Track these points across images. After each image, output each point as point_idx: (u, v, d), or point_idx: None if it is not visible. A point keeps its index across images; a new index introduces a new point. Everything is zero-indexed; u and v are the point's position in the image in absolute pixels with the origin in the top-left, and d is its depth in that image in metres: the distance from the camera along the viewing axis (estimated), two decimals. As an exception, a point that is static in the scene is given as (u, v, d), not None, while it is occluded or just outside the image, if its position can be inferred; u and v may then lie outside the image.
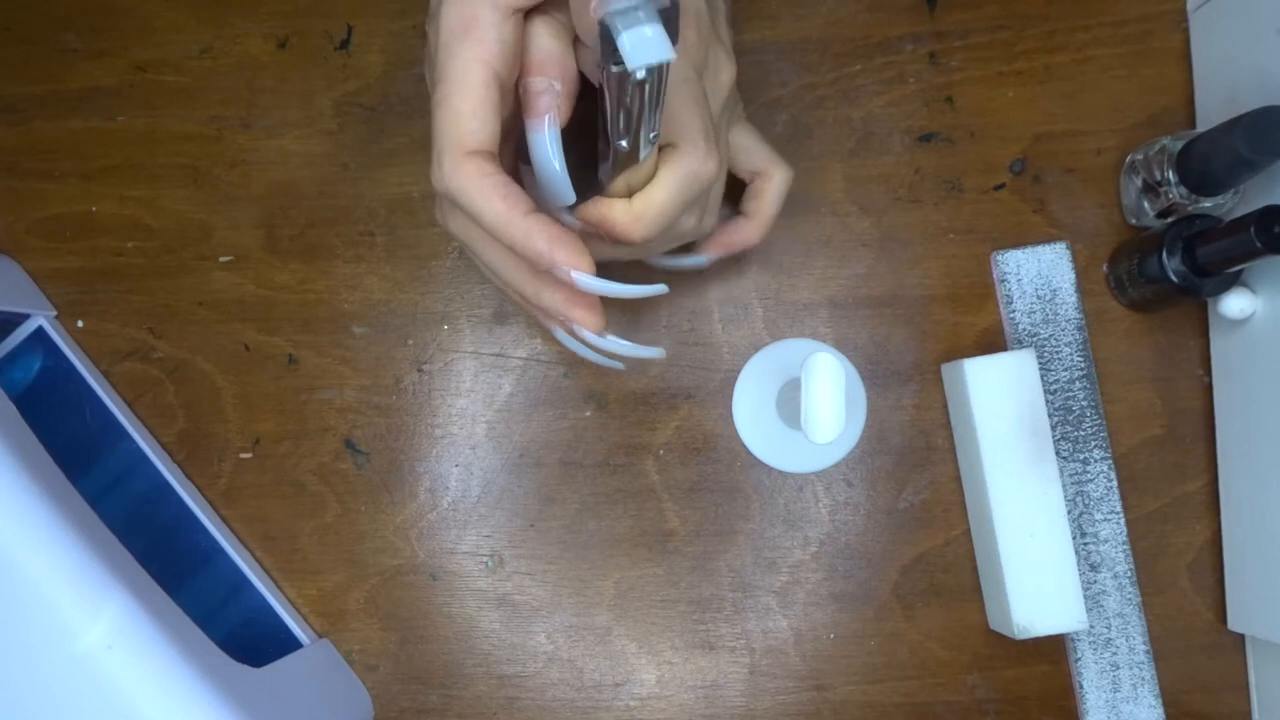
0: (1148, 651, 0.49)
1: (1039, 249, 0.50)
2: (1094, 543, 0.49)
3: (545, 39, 0.34)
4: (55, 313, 0.52)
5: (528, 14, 0.34)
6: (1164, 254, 0.45)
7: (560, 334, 0.39)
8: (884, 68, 0.51)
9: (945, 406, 0.50)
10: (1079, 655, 0.49)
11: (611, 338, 0.37)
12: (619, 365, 0.41)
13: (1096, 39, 0.51)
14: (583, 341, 0.38)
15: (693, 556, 0.50)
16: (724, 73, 0.39)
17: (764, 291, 0.51)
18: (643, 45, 0.27)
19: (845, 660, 0.50)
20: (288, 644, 0.49)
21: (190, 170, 0.52)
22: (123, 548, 0.40)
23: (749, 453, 0.49)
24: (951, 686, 0.50)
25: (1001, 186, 0.51)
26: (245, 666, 0.42)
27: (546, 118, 0.33)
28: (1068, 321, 0.50)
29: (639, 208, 0.36)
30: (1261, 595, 0.46)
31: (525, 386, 0.51)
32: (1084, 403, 0.49)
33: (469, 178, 0.32)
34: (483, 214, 0.32)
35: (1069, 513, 0.48)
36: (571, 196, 0.36)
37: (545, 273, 0.34)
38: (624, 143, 0.32)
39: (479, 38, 0.32)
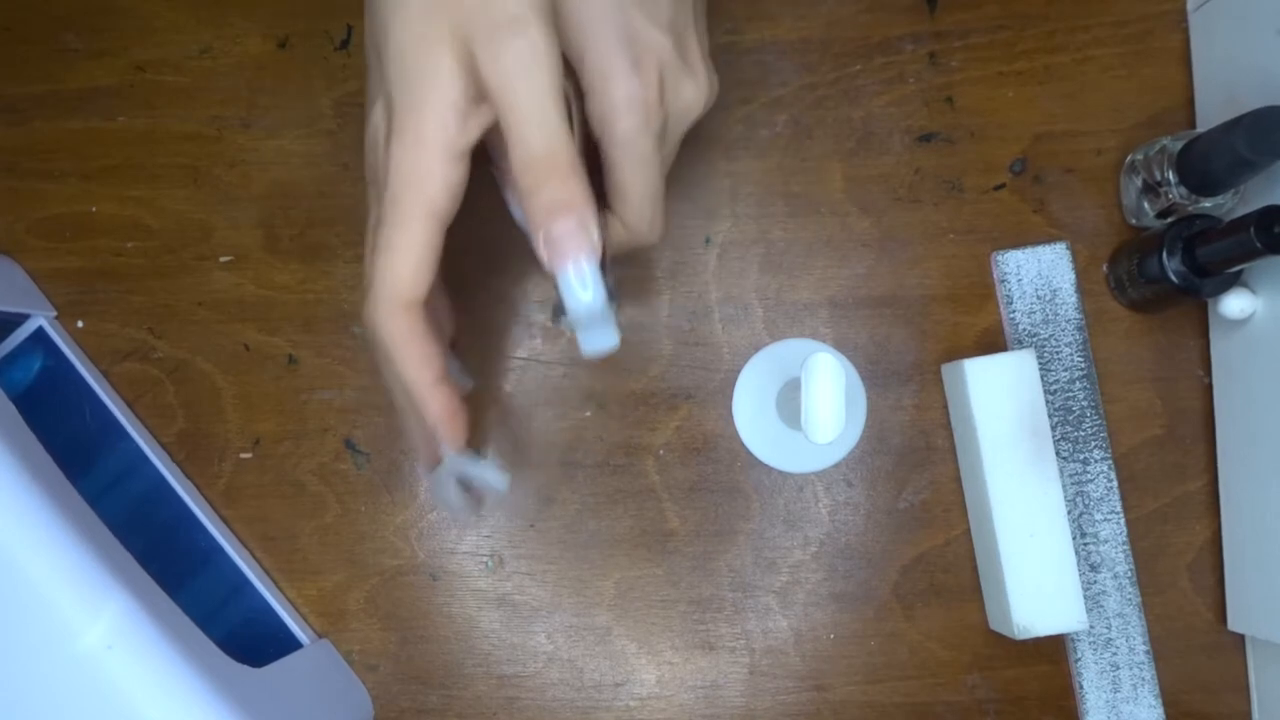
0: (1148, 651, 0.49)
1: (1039, 249, 0.50)
2: (1094, 543, 0.49)
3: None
4: (55, 313, 0.52)
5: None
6: (1164, 254, 0.45)
7: (433, 482, 0.40)
8: (884, 68, 0.51)
9: (945, 406, 0.50)
10: (1079, 655, 0.49)
11: (466, 466, 0.38)
12: (502, 483, 0.41)
13: (1096, 39, 0.51)
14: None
15: (693, 556, 0.50)
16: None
17: (764, 291, 0.51)
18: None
19: (845, 660, 0.50)
20: (288, 644, 0.49)
21: (190, 170, 0.52)
22: (123, 548, 0.39)
23: (749, 453, 0.49)
24: (951, 686, 0.50)
25: (1001, 186, 0.51)
26: (245, 666, 0.41)
27: (580, 259, 0.32)
28: (1068, 321, 0.50)
29: (633, 218, 0.36)
30: (1261, 595, 0.46)
31: (525, 387, 0.51)
32: (1084, 403, 0.49)
33: (398, 332, 0.34)
34: (397, 367, 0.34)
35: (1069, 513, 0.48)
36: (616, 339, 0.35)
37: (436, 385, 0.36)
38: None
39: (429, 192, 0.33)
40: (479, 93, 0.32)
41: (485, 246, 0.51)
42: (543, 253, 0.32)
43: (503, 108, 0.32)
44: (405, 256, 0.33)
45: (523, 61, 0.31)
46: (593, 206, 0.32)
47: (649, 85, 0.35)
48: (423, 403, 0.35)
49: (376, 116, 0.34)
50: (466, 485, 0.39)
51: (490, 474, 0.38)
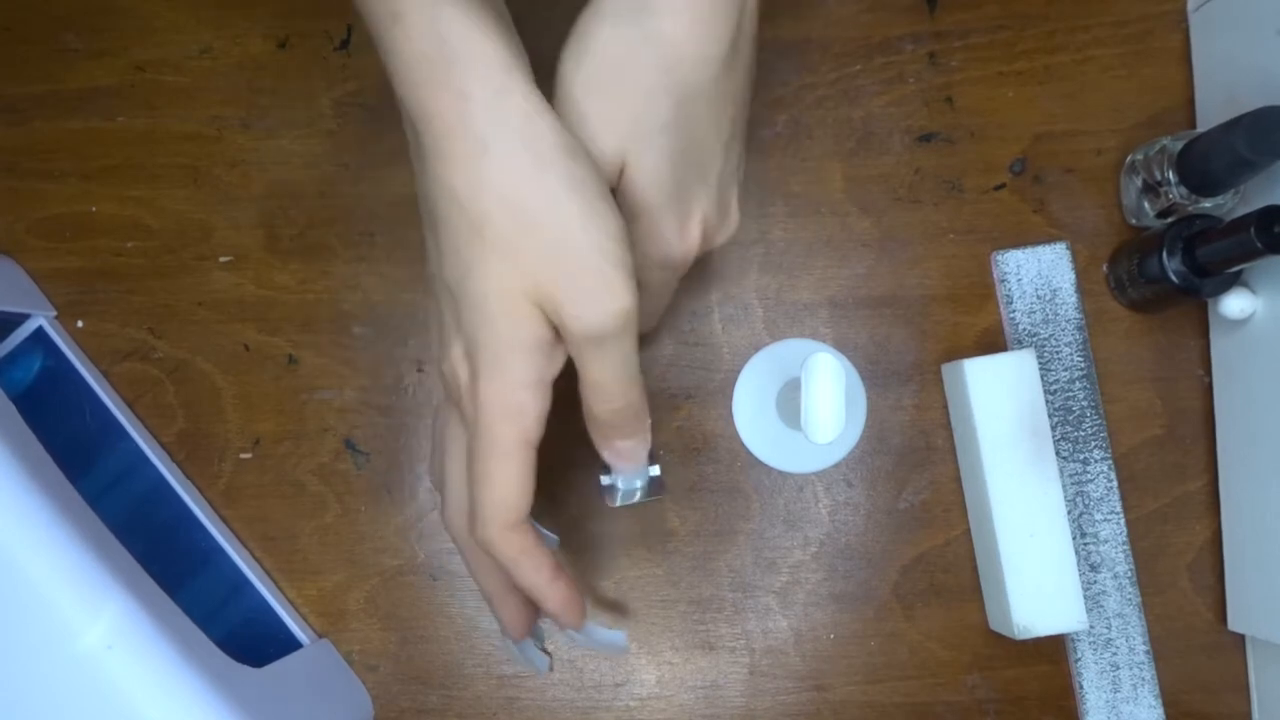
0: (1148, 651, 0.49)
1: (1039, 249, 0.50)
2: (1094, 543, 0.49)
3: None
4: (55, 313, 0.52)
5: None
6: (1164, 254, 0.45)
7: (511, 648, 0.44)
8: (884, 68, 0.51)
9: (945, 406, 0.50)
10: (1079, 655, 0.49)
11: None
12: (543, 666, 0.45)
13: (1096, 39, 0.51)
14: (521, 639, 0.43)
15: (693, 556, 0.50)
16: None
17: (764, 291, 0.51)
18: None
19: (845, 660, 0.50)
20: (288, 644, 0.49)
21: (190, 170, 0.52)
22: (123, 548, 0.39)
23: (749, 453, 0.49)
24: (951, 686, 0.50)
25: (1001, 186, 0.51)
26: (245, 666, 0.41)
27: (638, 466, 0.39)
28: (1068, 321, 0.50)
29: (643, 327, 0.36)
30: (1261, 595, 0.46)
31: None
32: (1084, 403, 0.49)
33: (515, 550, 0.36)
34: (519, 578, 0.36)
35: (1069, 513, 0.48)
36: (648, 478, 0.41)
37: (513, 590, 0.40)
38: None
39: (524, 425, 0.34)
40: (560, 334, 0.33)
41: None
42: (606, 455, 0.37)
43: (582, 364, 0.33)
44: (509, 485, 0.34)
45: (604, 325, 0.32)
46: (648, 423, 0.37)
47: (690, 243, 0.37)
48: (543, 598, 0.37)
49: (456, 355, 0.34)
50: (583, 645, 0.45)
51: (613, 636, 0.42)
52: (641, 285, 0.35)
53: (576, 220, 0.31)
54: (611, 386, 0.34)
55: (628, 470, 0.39)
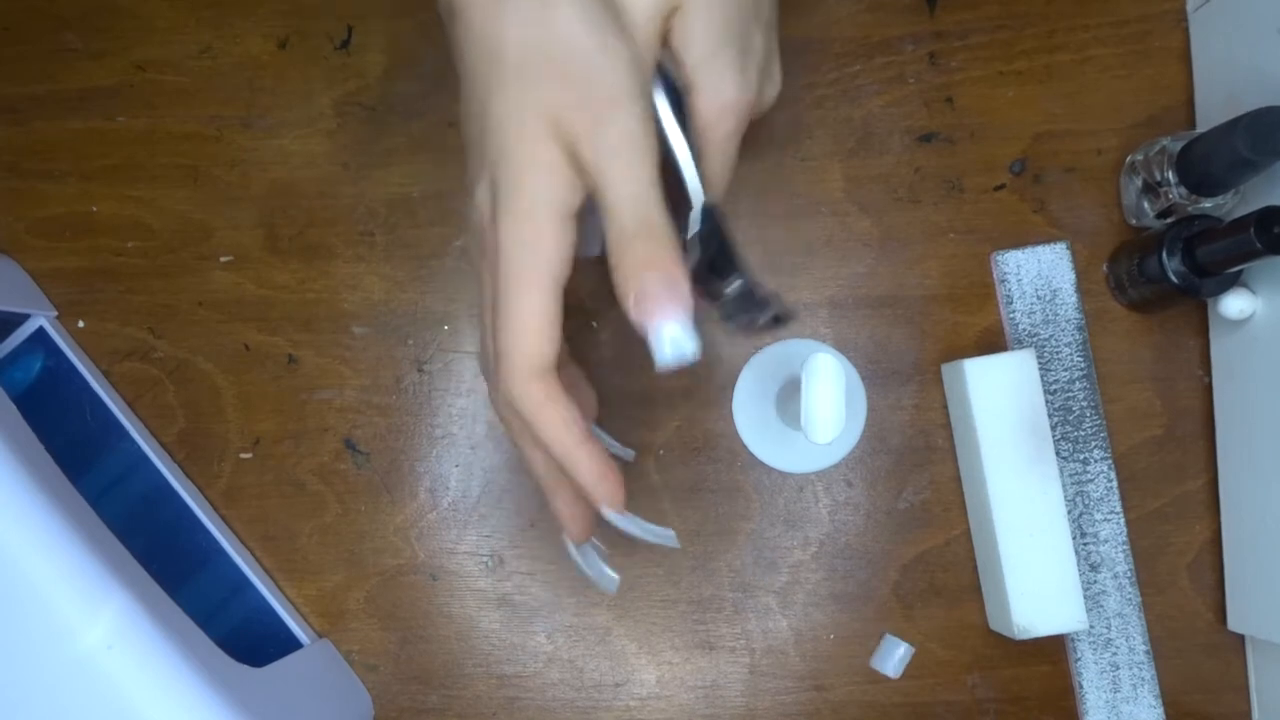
0: (1148, 651, 0.49)
1: (1039, 249, 0.50)
2: (1094, 543, 0.49)
3: None
4: (55, 313, 0.52)
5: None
6: (1164, 254, 0.45)
7: (566, 541, 0.40)
8: (884, 68, 0.51)
9: (945, 406, 0.50)
10: (1079, 655, 0.49)
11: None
12: (610, 585, 0.41)
13: (1096, 39, 0.51)
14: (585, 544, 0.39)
15: (693, 556, 0.50)
16: None
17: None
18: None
19: (845, 660, 0.50)
20: (288, 644, 0.49)
21: (190, 170, 0.52)
22: (123, 548, 0.39)
23: (749, 453, 0.49)
24: (951, 686, 0.50)
25: (1001, 186, 0.51)
26: (245, 666, 0.41)
27: (669, 316, 0.32)
28: (1068, 321, 0.50)
29: (714, 195, 0.36)
30: (1261, 595, 0.46)
31: (525, 386, 0.51)
32: (1084, 403, 0.49)
33: (537, 401, 0.33)
34: (542, 435, 0.33)
35: (1069, 513, 0.48)
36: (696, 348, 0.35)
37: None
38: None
39: (546, 254, 0.32)
40: (581, 165, 0.33)
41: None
42: (632, 312, 0.32)
43: (599, 187, 0.32)
44: (532, 324, 0.32)
45: (621, 144, 0.32)
46: (684, 270, 0.32)
47: (750, 88, 0.36)
48: (573, 464, 0.34)
49: (481, 194, 0.34)
50: (632, 541, 0.38)
51: (663, 532, 0.38)
52: (706, 143, 0.35)
53: (590, 46, 0.31)
54: (623, 201, 0.32)
55: (663, 318, 0.32)
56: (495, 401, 0.36)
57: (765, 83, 0.37)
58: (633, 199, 0.32)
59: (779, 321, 0.35)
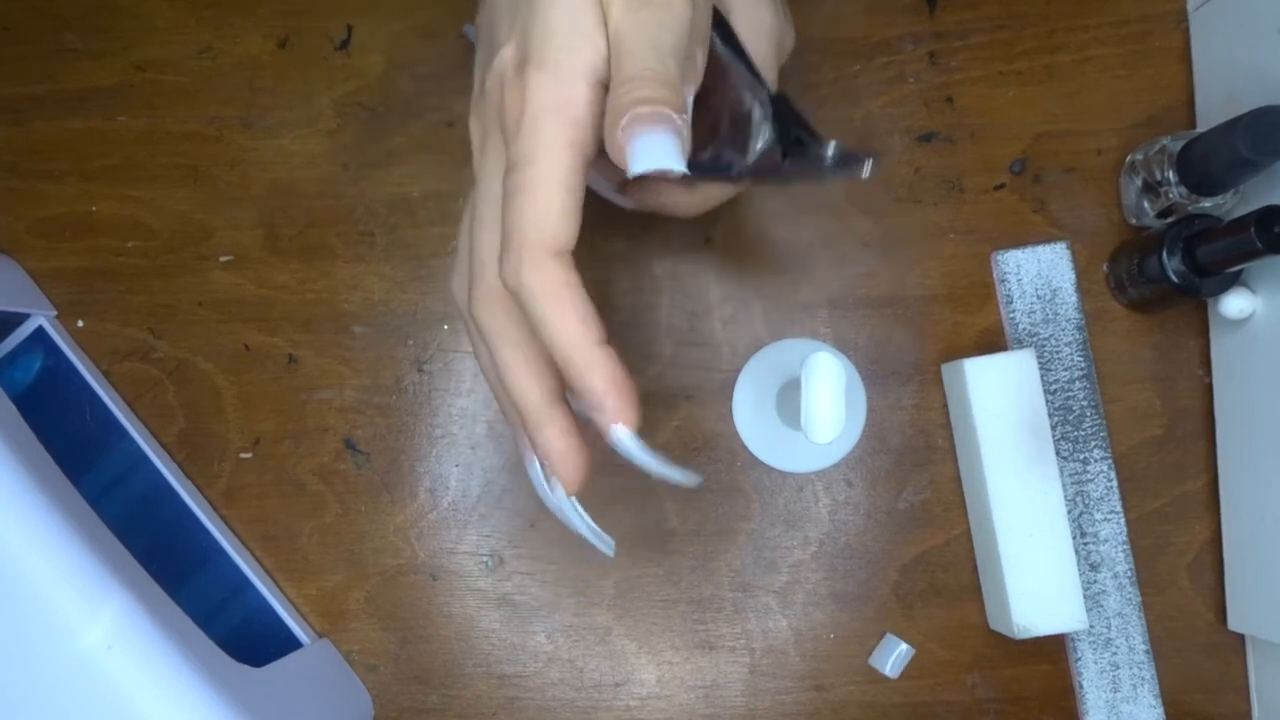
0: (1148, 651, 0.49)
1: (1039, 249, 0.50)
2: (1094, 543, 0.49)
3: None
4: (55, 313, 0.52)
5: None
6: (1164, 254, 0.45)
7: (535, 477, 0.34)
8: (884, 68, 0.51)
9: (945, 406, 0.50)
10: (1079, 655, 0.49)
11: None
12: (608, 549, 0.36)
13: (1096, 39, 0.51)
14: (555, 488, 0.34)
15: (693, 556, 0.50)
16: None
17: (764, 291, 0.51)
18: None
19: (845, 660, 0.50)
20: (288, 644, 0.49)
21: (190, 170, 0.52)
22: (123, 548, 0.40)
23: (749, 453, 0.49)
24: (951, 686, 0.50)
25: (1001, 186, 0.51)
26: (245, 666, 0.41)
27: (658, 131, 0.29)
28: (1068, 321, 0.50)
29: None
30: (1261, 595, 0.46)
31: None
32: (1084, 403, 0.49)
33: (548, 285, 0.29)
34: (550, 327, 0.29)
35: (1069, 513, 0.48)
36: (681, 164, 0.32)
37: (560, 401, 0.31)
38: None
39: (574, 119, 0.29)
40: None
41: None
42: (618, 137, 0.28)
43: (620, 53, 0.29)
44: (551, 194, 0.28)
45: (654, 23, 0.29)
46: (686, 116, 0.29)
47: (781, 19, 0.36)
48: (585, 368, 0.29)
49: (504, 57, 0.30)
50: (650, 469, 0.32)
51: (682, 473, 0.32)
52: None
53: None
54: (638, 59, 0.29)
55: (645, 139, 0.28)
56: (475, 302, 0.31)
57: (787, 26, 0.38)
58: (651, 57, 0.29)
59: (876, 163, 0.33)
